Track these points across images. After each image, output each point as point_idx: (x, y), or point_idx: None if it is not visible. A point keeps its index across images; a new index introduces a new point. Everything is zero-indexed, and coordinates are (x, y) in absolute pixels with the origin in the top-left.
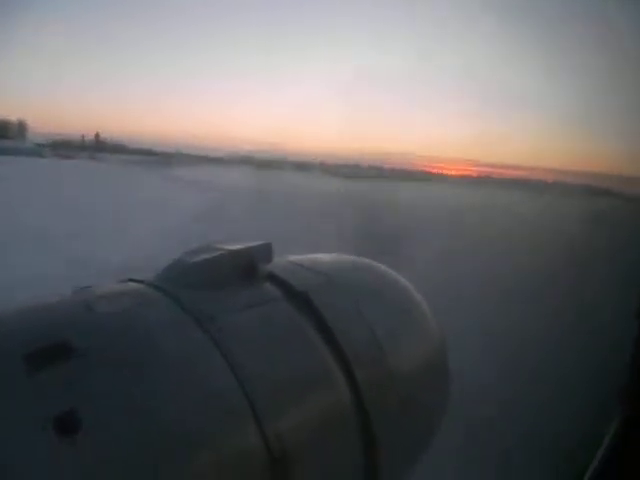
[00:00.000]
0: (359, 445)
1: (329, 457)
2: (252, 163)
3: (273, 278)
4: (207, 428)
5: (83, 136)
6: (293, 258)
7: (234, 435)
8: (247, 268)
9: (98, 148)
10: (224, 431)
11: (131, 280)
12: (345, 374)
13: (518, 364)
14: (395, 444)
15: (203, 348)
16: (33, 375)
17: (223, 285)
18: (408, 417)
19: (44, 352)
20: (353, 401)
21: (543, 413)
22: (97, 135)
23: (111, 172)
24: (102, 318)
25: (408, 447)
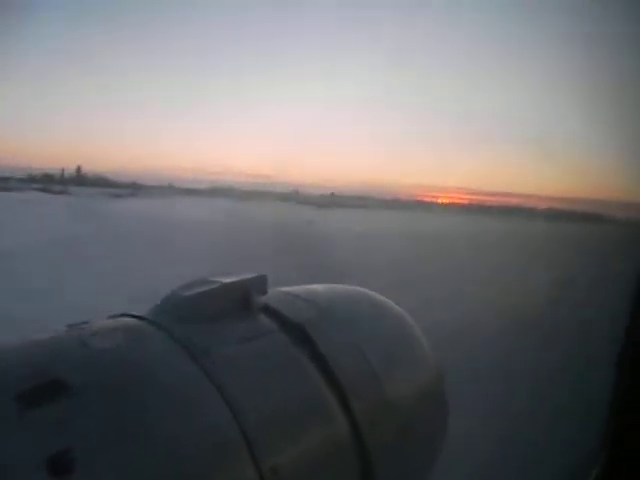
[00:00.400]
0: (357, 477)
1: None
2: (233, 195)
3: (268, 310)
4: (203, 463)
5: (63, 170)
6: (287, 289)
7: (230, 470)
8: (242, 301)
9: (78, 182)
10: (220, 466)
11: (125, 315)
12: (341, 405)
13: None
14: (394, 475)
15: (197, 382)
16: (26, 414)
17: (218, 318)
18: (406, 447)
19: (37, 390)
20: (350, 432)
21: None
22: (78, 169)
23: (56, 204)
24: (96, 354)
25: (407, 477)
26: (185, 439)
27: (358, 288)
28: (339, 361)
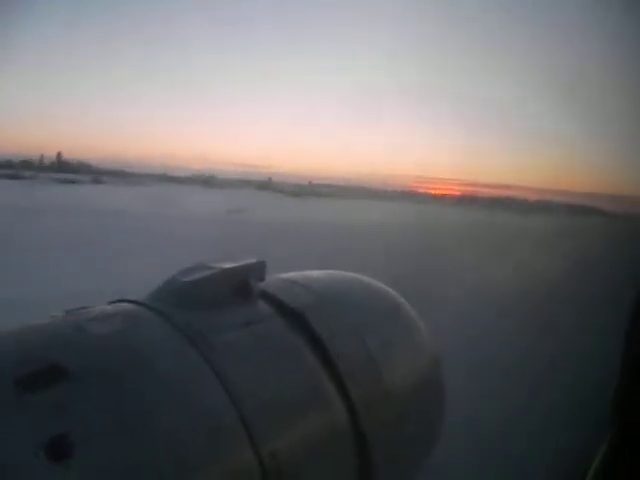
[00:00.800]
0: (354, 462)
1: (325, 475)
2: (211, 183)
3: (266, 296)
4: (201, 448)
5: (42, 156)
6: (286, 275)
7: (229, 455)
8: (240, 286)
9: (59, 168)
10: (218, 451)
11: (123, 300)
12: (339, 390)
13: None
14: (392, 460)
15: (196, 367)
16: (24, 399)
17: (216, 304)
18: (404, 433)
19: (35, 375)
20: (347, 417)
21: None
22: (59, 155)
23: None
24: (94, 340)
25: (405, 463)
26: (184, 424)
27: (357, 275)
28: (337, 346)
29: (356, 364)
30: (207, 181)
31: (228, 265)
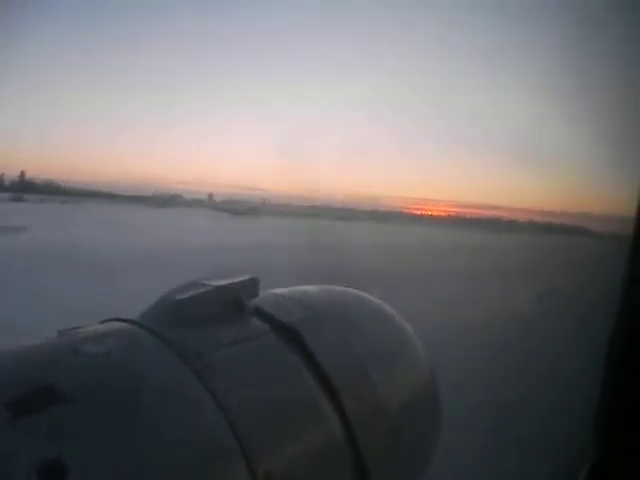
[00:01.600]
0: (351, 478)
1: None
2: (176, 203)
3: (260, 313)
4: (197, 468)
5: (2, 174)
6: (279, 291)
7: (224, 474)
8: (233, 303)
9: (21, 187)
10: (214, 470)
11: (116, 319)
12: (335, 407)
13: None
14: (389, 476)
15: (190, 386)
16: (17, 422)
17: (210, 321)
18: (400, 447)
19: (29, 397)
20: (343, 433)
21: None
22: (22, 174)
23: None
24: (88, 360)
25: (401, 477)
26: (179, 444)
27: (350, 289)
28: (331, 361)
29: (351, 379)
30: (140, 200)
31: (221, 282)
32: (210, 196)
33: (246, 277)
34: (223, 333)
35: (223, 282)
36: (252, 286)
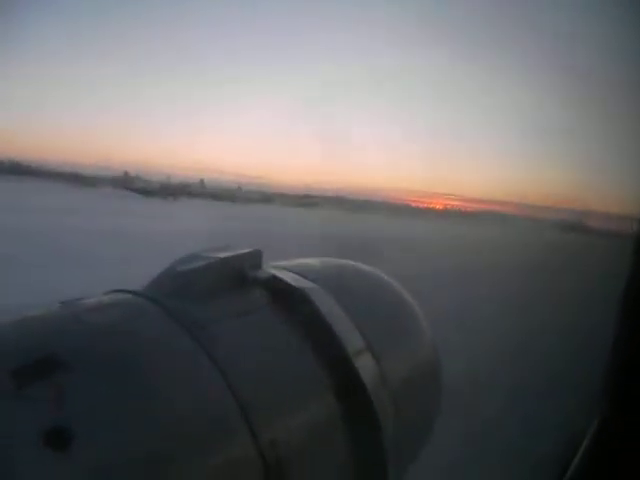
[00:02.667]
0: (352, 448)
1: (325, 462)
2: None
3: (262, 284)
4: (201, 437)
5: None
6: (282, 264)
7: (228, 443)
8: (237, 275)
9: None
10: (218, 440)
11: (120, 291)
12: (337, 378)
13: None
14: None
15: (194, 357)
16: (22, 390)
17: (213, 293)
18: (402, 420)
19: (33, 366)
20: (344, 404)
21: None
22: None
23: None
24: (91, 330)
25: (402, 450)
26: (183, 413)
27: (352, 262)
28: (334, 333)
29: (353, 350)
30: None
31: (224, 254)
32: (126, 174)
33: (250, 249)
34: (226, 304)
35: (226, 254)
36: (255, 258)
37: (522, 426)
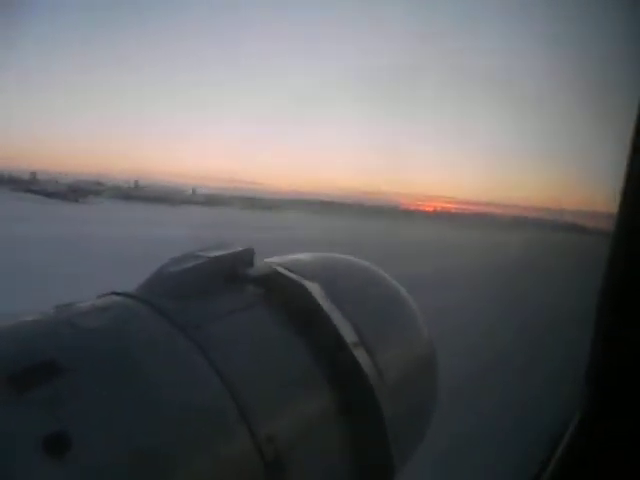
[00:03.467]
0: (349, 441)
1: (322, 455)
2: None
3: (255, 282)
4: (199, 435)
5: None
6: (274, 260)
7: (226, 440)
8: (229, 274)
9: None
10: (216, 437)
11: (113, 294)
12: (332, 373)
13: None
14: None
15: (189, 356)
16: (20, 396)
17: (206, 292)
18: (398, 414)
19: (30, 372)
20: (339, 399)
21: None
22: None
23: None
24: (86, 334)
25: (399, 444)
26: (180, 413)
27: (347, 256)
28: (328, 327)
29: (348, 344)
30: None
31: (216, 253)
32: (33, 175)
33: (241, 248)
34: (219, 303)
35: (218, 253)
36: (247, 256)
37: (505, 422)
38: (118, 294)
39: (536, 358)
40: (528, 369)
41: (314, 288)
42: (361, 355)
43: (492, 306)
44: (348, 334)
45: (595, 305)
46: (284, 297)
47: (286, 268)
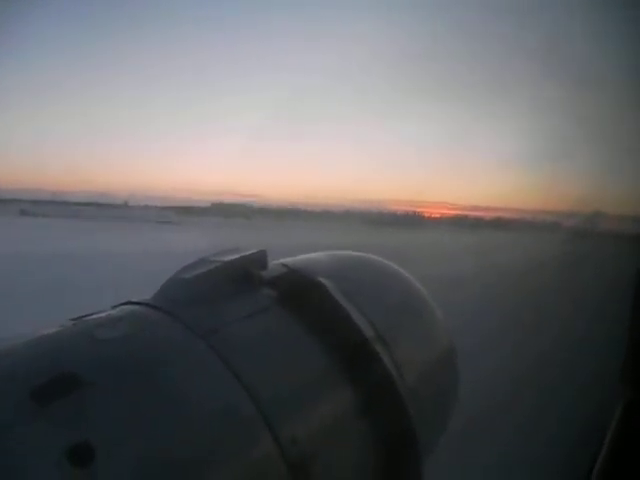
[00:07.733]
0: (371, 441)
1: (346, 457)
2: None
3: (269, 284)
4: (222, 442)
5: None
6: (288, 260)
7: (249, 446)
8: (243, 277)
9: None
10: (239, 443)
11: (128, 303)
12: (351, 374)
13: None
14: None
15: (208, 362)
16: (42, 409)
17: (221, 297)
18: (418, 410)
19: (51, 385)
20: (360, 398)
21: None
22: None
23: None
24: (105, 345)
25: (422, 438)
26: (202, 421)
27: (362, 254)
28: (346, 328)
29: (364, 344)
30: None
31: (229, 257)
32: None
33: (254, 250)
34: (235, 307)
35: (231, 257)
36: (261, 258)
37: (546, 414)
38: (133, 303)
39: (574, 361)
40: (567, 371)
41: (330, 285)
42: (380, 351)
43: (531, 307)
44: (367, 330)
45: (629, 306)
46: (300, 297)
47: (300, 267)
